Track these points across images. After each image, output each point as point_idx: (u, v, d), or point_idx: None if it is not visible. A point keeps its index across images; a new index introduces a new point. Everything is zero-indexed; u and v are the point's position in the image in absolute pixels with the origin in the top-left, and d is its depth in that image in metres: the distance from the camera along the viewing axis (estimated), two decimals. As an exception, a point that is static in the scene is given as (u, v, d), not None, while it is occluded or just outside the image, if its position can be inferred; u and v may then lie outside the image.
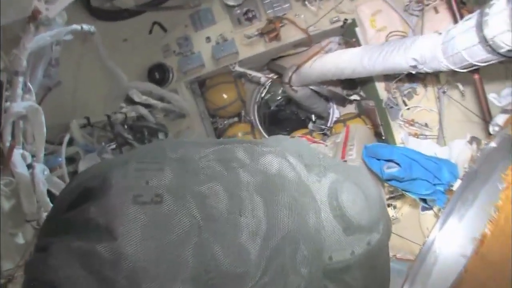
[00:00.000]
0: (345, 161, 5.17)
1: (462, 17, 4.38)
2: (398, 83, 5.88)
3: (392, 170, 4.31)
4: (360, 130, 5.76)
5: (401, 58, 4.57)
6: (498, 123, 3.95)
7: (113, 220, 1.64)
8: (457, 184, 4.04)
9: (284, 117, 9.19)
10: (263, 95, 8.64)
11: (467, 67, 3.94)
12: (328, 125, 8.13)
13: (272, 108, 9.07)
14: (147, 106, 6.04)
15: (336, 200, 2.23)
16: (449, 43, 3.89)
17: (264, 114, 8.82)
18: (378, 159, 4.51)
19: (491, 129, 4.09)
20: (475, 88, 4.53)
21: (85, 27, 4.51)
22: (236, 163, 2.06)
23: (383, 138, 6.63)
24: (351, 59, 5.23)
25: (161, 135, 6.04)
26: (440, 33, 4.12)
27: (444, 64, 4.08)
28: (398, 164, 4.30)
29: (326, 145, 5.60)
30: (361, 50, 5.12)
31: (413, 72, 4.68)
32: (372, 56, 4.92)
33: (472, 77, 4.46)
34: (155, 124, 5.97)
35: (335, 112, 8.18)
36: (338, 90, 7.50)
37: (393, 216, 6.49)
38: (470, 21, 3.62)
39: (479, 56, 3.56)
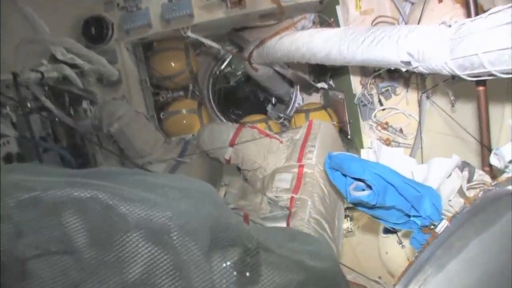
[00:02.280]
0: (302, 165, 4.13)
1: (477, 9, 3.35)
2: (376, 78, 4.85)
3: (360, 193, 3.30)
4: (325, 129, 4.71)
5: (391, 50, 3.48)
6: (507, 156, 2.95)
7: None
8: (441, 226, 3.09)
9: (241, 96, 8.18)
10: (222, 67, 7.53)
11: (479, 76, 2.92)
12: (288, 112, 7.07)
13: (231, 83, 8.04)
14: (74, 66, 4.80)
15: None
16: (462, 40, 2.83)
17: (219, 90, 7.73)
18: (345, 175, 3.50)
19: (494, 160, 3.11)
20: (478, 103, 3.50)
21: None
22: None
23: (349, 138, 5.63)
24: (327, 42, 4.12)
25: (85, 104, 4.84)
26: (450, 26, 3.05)
27: (447, 66, 3.02)
28: (369, 185, 3.31)
29: (281, 142, 4.53)
30: (342, 33, 4.01)
31: (402, 69, 3.63)
32: (354, 42, 3.82)
33: (475, 88, 3.43)
34: (80, 90, 4.75)
35: (298, 98, 7.13)
36: (304, 75, 6.45)
37: (348, 228, 5.57)
38: (499, 15, 2.56)
39: (507, 64, 2.52)
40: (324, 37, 4.19)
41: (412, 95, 4.86)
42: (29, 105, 4.33)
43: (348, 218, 5.53)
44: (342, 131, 5.62)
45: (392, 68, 3.80)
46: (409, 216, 3.41)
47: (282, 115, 6.52)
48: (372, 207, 3.34)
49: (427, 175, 3.86)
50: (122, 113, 4.51)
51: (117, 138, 4.54)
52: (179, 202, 1.55)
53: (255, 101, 8.05)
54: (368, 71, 4.83)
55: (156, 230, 1.44)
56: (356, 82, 4.96)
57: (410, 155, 4.90)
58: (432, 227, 3.26)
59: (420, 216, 3.35)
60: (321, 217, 3.68)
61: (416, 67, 3.36)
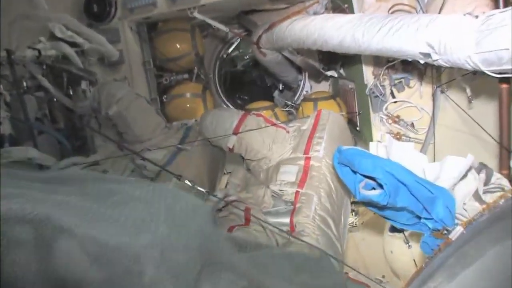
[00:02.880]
0: (308, 157, 3.91)
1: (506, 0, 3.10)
2: (390, 69, 4.60)
3: (371, 193, 3.08)
4: (334, 120, 4.47)
5: (410, 40, 3.24)
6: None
7: None
8: (455, 232, 2.87)
9: (248, 80, 7.95)
10: (229, 51, 7.28)
11: (504, 72, 2.69)
12: (295, 100, 6.83)
13: (238, 68, 7.79)
14: (74, 45, 4.57)
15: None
16: (491, 33, 2.58)
17: (225, 73, 7.49)
18: (354, 172, 3.28)
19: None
20: (499, 101, 3.25)
21: None
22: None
23: (357, 129, 5.39)
24: (340, 28, 3.87)
25: (84, 84, 4.61)
26: (476, 16, 2.81)
27: (471, 60, 2.78)
28: (379, 184, 3.08)
29: (288, 132, 4.30)
30: (357, 20, 3.76)
31: (420, 61, 3.38)
32: (370, 30, 3.57)
33: (498, 86, 3.20)
34: (80, 70, 4.52)
35: (306, 85, 6.87)
36: (314, 62, 6.19)
37: (352, 223, 5.36)
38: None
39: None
40: (338, 24, 3.94)
41: (426, 89, 4.63)
42: (25, 84, 4.12)
43: (353, 213, 5.31)
44: (350, 122, 5.38)
45: (410, 60, 3.56)
46: (419, 217, 3.21)
47: (289, 103, 6.27)
48: (382, 208, 3.14)
49: (440, 173, 3.64)
50: (121, 95, 4.29)
51: (116, 121, 4.31)
52: (158, 225, 1.24)
53: (262, 86, 7.82)
54: (382, 61, 4.58)
55: (124, 266, 1.10)
56: (368, 72, 4.71)
57: (421, 151, 4.68)
58: (445, 232, 3.05)
59: (432, 219, 3.14)
60: (327, 214, 3.47)
61: (436, 60, 3.13)
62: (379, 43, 3.54)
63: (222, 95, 7.22)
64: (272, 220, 3.47)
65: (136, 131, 4.29)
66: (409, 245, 4.31)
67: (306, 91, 6.85)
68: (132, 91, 4.47)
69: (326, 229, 3.36)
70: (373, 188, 3.22)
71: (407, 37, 3.28)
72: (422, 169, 4.00)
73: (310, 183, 3.63)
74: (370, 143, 4.62)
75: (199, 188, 2.99)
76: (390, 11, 4.28)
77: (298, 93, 6.88)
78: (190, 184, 2.99)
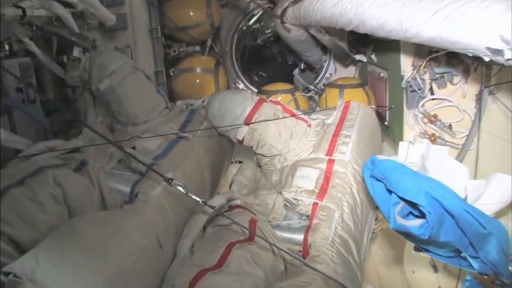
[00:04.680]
0: (332, 160, 3.21)
1: None
2: (432, 61, 3.86)
3: (410, 223, 2.38)
4: (364, 115, 3.79)
5: (475, 31, 2.50)
6: None
7: None
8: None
9: (268, 57, 7.26)
10: (250, 23, 6.52)
11: None
12: (317, 83, 6.08)
13: (258, 42, 7.06)
14: (68, 5, 3.84)
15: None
16: None
17: (244, 47, 6.75)
18: (389, 190, 2.58)
19: None
20: None
21: None
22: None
23: (386, 124, 4.67)
24: (384, 7, 3.10)
25: (77, 51, 3.90)
26: None
27: None
28: (421, 212, 2.39)
29: (309, 125, 3.58)
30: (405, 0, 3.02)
31: (484, 58, 2.64)
32: (422, 12, 2.83)
33: None
34: (72, 34, 3.80)
35: (331, 67, 6.15)
36: (343, 43, 5.43)
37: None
38: None
39: None
40: (381, 1, 3.18)
41: (471, 87, 3.91)
42: (7, 47, 3.45)
43: (373, 218, 4.63)
44: (377, 115, 4.64)
45: (470, 55, 2.80)
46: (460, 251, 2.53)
47: (312, 87, 5.51)
48: (421, 240, 2.45)
49: (483, 193, 2.98)
50: (115, 67, 3.55)
51: (108, 98, 3.60)
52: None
53: (282, 64, 7.14)
54: (424, 51, 3.84)
55: None
56: (407, 62, 3.97)
57: (457, 158, 3.97)
58: (498, 283, 2.38)
59: (478, 258, 2.47)
60: (349, 235, 2.78)
61: (510, 60, 2.39)
62: (432, 31, 2.79)
63: (237, 70, 6.51)
64: (281, 235, 2.81)
65: (129, 111, 3.55)
66: (435, 269, 3.65)
67: (330, 74, 6.17)
68: (129, 64, 3.71)
69: (347, 255, 2.68)
70: (411, 213, 2.53)
71: (472, 27, 2.53)
72: (464, 185, 3.34)
73: (331, 194, 2.94)
74: (400, 142, 3.96)
75: (193, 196, 2.33)
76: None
77: (321, 75, 6.17)
78: (184, 191, 2.33)
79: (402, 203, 2.46)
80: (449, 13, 2.65)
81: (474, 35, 2.52)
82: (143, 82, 3.73)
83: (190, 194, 2.33)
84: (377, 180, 2.63)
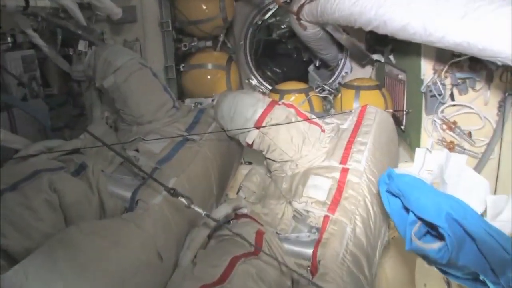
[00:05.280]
0: (345, 169, 3.02)
1: None
2: (454, 65, 3.66)
3: (428, 246, 2.19)
4: (381, 121, 3.59)
5: (508, 39, 2.30)
6: None
7: None
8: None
9: (283, 52, 7.02)
10: (265, 17, 6.30)
11: None
12: (332, 82, 5.87)
13: (273, 36, 6.84)
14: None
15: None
16: None
17: (258, 42, 6.54)
18: (407, 208, 2.38)
19: None
20: None
21: None
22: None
23: (402, 128, 4.46)
24: (408, 7, 2.90)
25: (82, 45, 3.73)
26: None
27: None
28: (439, 232, 2.19)
29: (323, 130, 3.39)
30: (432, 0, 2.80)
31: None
32: (447, 18, 2.63)
33: None
34: (78, 27, 3.62)
35: (347, 66, 5.91)
36: (360, 43, 5.22)
37: (381, 238, 4.48)
38: None
39: None
40: (405, 1, 2.96)
41: (494, 94, 3.71)
42: (9, 39, 3.29)
43: (385, 224, 4.44)
44: (394, 119, 4.43)
45: (499, 63, 2.58)
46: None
47: (327, 87, 5.29)
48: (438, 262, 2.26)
49: (504, 209, 2.79)
50: (121, 63, 3.37)
51: (113, 95, 3.42)
52: None
53: (296, 60, 6.89)
54: (446, 55, 3.62)
55: None
56: (427, 66, 3.76)
57: (476, 167, 3.76)
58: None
59: (499, 284, 2.27)
60: (361, 251, 2.58)
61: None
62: (459, 36, 2.58)
63: (251, 65, 6.29)
64: (289, 247, 2.63)
65: (134, 110, 3.36)
66: (448, 285, 3.45)
67: (346, 72, 5.92)
68: (136, 60, 3.51)
69: (357, 273, 2.49)
70: (428, 232, 2.34)
71: (506, 34, 2.32)
72: (483, 198, 3.14)
73: (344, 207, 2.74)
74: (417, 149, 3.81)
75: (196, 208, 2.16)
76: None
77: (336, 74, 5.94)
78: (186, 203, 2.16)
79: (420, 222, 2.26)
80: (479, 17, 2.44)
81: (507, 42, 2.32)
82: (150, 79, 3.53)
83: (192, 206, 2.16)
84: (394, 195, 2.44)
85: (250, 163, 4.24)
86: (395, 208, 2.42)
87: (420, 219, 2.26)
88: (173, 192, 2.17)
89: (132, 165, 2.23)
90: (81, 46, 3.73)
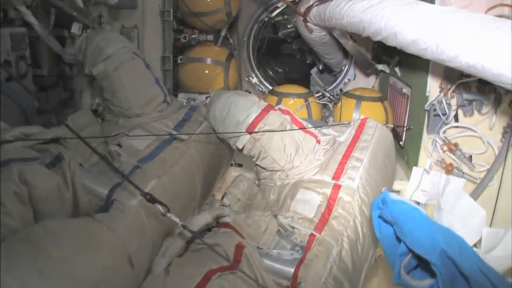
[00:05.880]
0: (338, 185, 2.86)
1: None
2: (461, 86, 3.48)
3: (418, 284, 2.03)
4: (380, 137, 3.42)
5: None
6: None
7: None
8: None
9: (286, 52, 6.82)
10: (272, 15, 6.12)
11: None
12: (333, 88, 5.72)
13: (278, 35, 6.66)
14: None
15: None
16: None
17: (262, 39, 6.36)
18: (398, 237, 2.22)
19: None
20: None
21: None
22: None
23: (401, 144, 4.30)
24: (420, 23, 2.73)
25: (76, 28, 3.54)
26: None
27: None
28: (431, 269, 2.03)
29: (319, 142, 3.22)
30: (451, 14, 2.61)
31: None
32: (462, 36, 2.44)
33: None
34: (74, 8, 3.43)
35: (350, 72, 5.77)
36: (367, 52, 5.07)
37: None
38: None
39: None
40: (419, 14, 2.79)
41: (500, 119, 3.52)
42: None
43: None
44: (393, 133, 4.25)
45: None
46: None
47: (327, 94, 5.11)
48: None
49: (499, 244, 2.65)
50: (112, 51, 3.19)
51: (102, 83, 3.24)
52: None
53: (300, 62, 6.73)
54: (454, 74, 3.45)
55: None
56: (434, 84, 3.58)
57: (473, 192, 3.60)
58: None
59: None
60: (345, 276, 2.41)
61: None
62: (473, 57, 2.41)
63: (253, 62, 6.12)
64: (270, 264, 2.47)
65: (122, 102, 3.17)
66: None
67: (348, 79, 5.80)
68: (129, 48, 3.32)
69: (339, 299, 2.34)
70: (418, 266, 2.19)
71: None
72: (478, 228, 2.99)
73: (332, 226, 2.57)
74: (414, 168, 3.64)
75: (173, 217, 2.00)
76: (488, 10, 3.08)
77: (339, 79, 5.80)
78: (162, 210, 2.00)
79: (411, 255, 2.11)
80: (498, 39, 2.27)
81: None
82: (142, 71, 3.33)
83: (169, 215, 2.00)
84: (386, 222, 2.28)
85: (240, 165, 4.07)
86: (387, 236, 2.26)
87: (411, 251, 2.11)
88: (149, 198, 2.01)
89: (108, 164, 2.04)
90: (75, 28, 3.54)
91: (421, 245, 2.00)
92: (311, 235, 2.54)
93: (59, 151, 2.55)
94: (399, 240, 2.17)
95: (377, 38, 3.24)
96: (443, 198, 3.30)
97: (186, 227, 2.07)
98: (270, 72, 6.75)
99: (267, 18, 6.16)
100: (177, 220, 2.00)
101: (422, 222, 2.13)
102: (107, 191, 2.51)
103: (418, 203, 3.76)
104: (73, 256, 1.99)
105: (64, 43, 3.85)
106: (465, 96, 3.51)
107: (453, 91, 3.51)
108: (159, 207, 1.99)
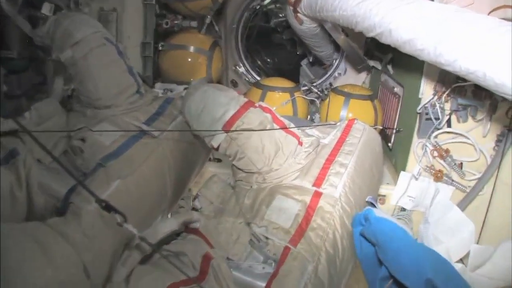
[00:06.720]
0: (318, 193, 2.66)
1: None
2: (457, 90, 3.30)
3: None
4: (368, 140, 3.22)
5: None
6: None
7: None
8: None
9: (277, 42, 6.56)
10: (265, 2, 5.88)
11: None
12: (322, 82, 5.52)
13: (270, 24, 6.44)
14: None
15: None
16: None
17: (252, 27, 6.14)
18: (379, 260, 2.04)
19: None
20: None
21: None
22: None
23: (389, 146, 4.12)
24: (419, 22, 2.52)
25: (47, 8, 3.28)
26: None
27: None
28: None
29: (301, 143, 2.99)
30: (453, 14, 2.40)
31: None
32: (463, 39, 2.23)
33: None
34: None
35: (341, 66, 5.56)
36: (359, 48, 4.87)
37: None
38: None
39: None
40: (418, 12, 2.58)
41: (494, 127, 3.36)
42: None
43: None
44: (382, 134, 4.06)
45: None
46: None
47: (315, 89, 4.89)
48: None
49: (487, 262, 2.50)
50: (82, 36, 2.93)
51: (70, 71, 3.00)
52: None
53: (290, 52, 6.50)
54: (450, 77, 3.26)
55: None
56: (428, 86, 3.38)
57: (462, 201, 3.45)
58: None
59: None
60: (320, 294, 2.24)
61: None
62: (474, 63, 2.21)
63: (241, 51, 5.88)
64: (239, 277, 2.28)
65: (91, 92, 2.91)
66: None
67: (339, 74, 5.58)
68: (101, 34, 3.04)
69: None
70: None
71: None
72: (466, 242, 2.83)
73: (309, 239, 2.37)
74: (402, 172, 3.49)
75: (130, 228, 1.80)
76: (491, 11, 2.87)
77: (329, 73, 5.58)
78: (118, 220, 1.80)
79: (392, 280, 1.93)
80: (505, 47, 2.07)
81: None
82: (113, 59, 3.06)
83: (126, 225, 1.79)
84: (365, 239, 2.10)
85: (219, 160, 3.85)
86: (367, 256, 2.08)
87: (393, 276, 1.93)
88: (104, 205, 1.80)
89: (60, 166, 1.82)
90: (45, 9, 3.26)
91: (405, 272, 1.81)
92: (286, 248, 2.33)
93: (14, 145, 2.32)
94: (381, 262, 1.98)
95: (370, 34, 3.03)
96: (431, 210, 3.13)
97: (144, 240, 1.86)
98: (259, 62, 6.52)
99: (259, 6, 5.93)
100: (134, 231, 1.79)
101: (408, 246, 1.94)
102: (65, 191, 2.29)
103: (404, 209, 3.62)
104: (20, 264, 1.79)
105: (37, 24, 3.59)
106: (460, 101, 3.33)
107: (447, 95, 3.33)
108: (116, 216, 1.79)
